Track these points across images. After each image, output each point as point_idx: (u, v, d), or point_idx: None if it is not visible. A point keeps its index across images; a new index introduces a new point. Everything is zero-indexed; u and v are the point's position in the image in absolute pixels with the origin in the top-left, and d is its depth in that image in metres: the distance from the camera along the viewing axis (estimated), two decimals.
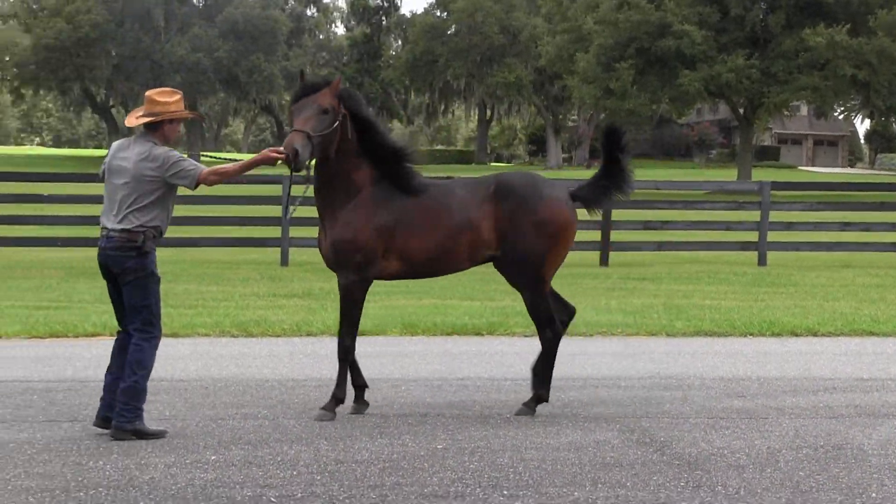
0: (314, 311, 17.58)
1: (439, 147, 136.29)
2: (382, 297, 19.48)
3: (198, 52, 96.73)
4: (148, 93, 9.72)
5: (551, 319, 10.66)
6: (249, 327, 15.96)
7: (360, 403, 10.61)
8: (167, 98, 9.58)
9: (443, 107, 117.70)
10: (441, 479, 8.18)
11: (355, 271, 10.29)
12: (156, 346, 9.59)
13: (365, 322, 16.17)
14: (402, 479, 8.13)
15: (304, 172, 10.19)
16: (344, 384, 10.36)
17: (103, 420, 9.47)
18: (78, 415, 10.27)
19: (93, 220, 26.97)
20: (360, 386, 10.65)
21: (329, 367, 13.00)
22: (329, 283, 21.92)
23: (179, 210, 26.96)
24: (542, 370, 10.70)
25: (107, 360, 12.65)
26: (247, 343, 15.06)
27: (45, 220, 28.44)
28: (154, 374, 12.20)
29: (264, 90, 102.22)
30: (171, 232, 27.83)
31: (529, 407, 10.62)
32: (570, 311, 11.07)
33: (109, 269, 9.46)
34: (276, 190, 26.65)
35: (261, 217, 28.23)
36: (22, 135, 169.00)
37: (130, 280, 9.38)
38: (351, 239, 10.24)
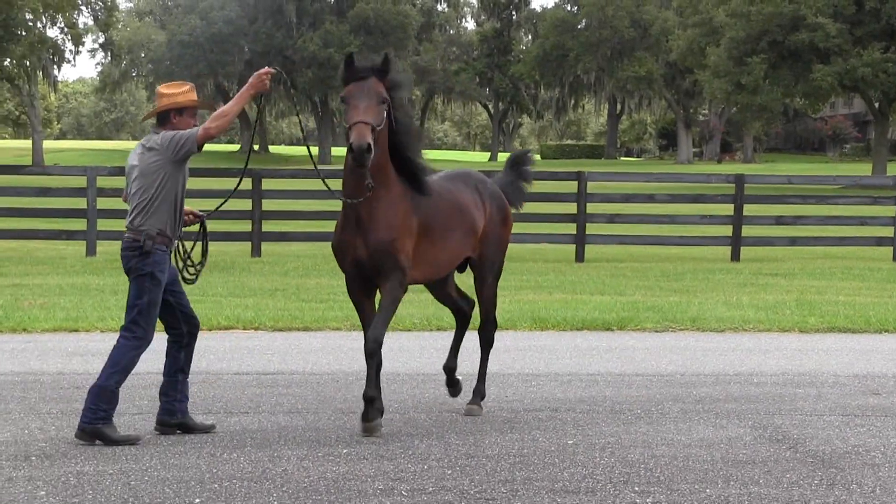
0: (443, 307, 17.59)
1: (569, 142, 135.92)
2: (512, 292, 19.46)
3: (329, 47, 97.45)
4: (158, 87, 9.72)
5: None
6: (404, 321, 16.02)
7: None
8: (174, 90, 9.44)
9: (573, 101, 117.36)
10: (572, 474, 8.14)
11: (403, 275, 9.39)
12: (137, 348, 9.17)
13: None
14: (532, 475, 8.11)
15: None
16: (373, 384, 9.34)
17: (160, 423, 9.44)
18: (212, 407, 10.38)
19: (218, 215, 27.38)
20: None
21: (459, 362, 13.01)
22: (456, 279, 21.96)
23: (315, 205, 27.30)
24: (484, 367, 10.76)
25: (240, 353, 12.84)
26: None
27: None
28: (286, 367, 12.42)
29: None
30: (308, 227, 27.94)
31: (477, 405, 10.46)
32: (470, 303, 11.05)
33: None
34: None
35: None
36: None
37: (131, 279, 9.38)
38: (397, 238, 9.34)
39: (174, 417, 9.33)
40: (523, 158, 11.66)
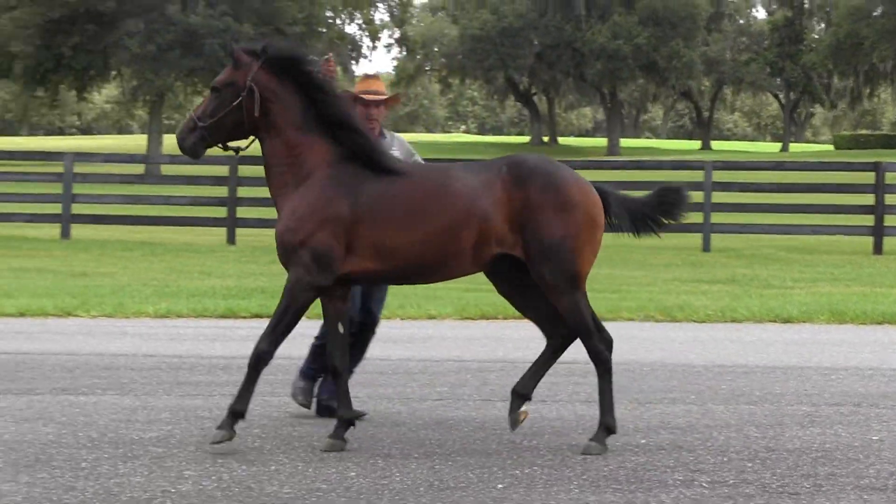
0: (738, 298, 17.39)
1: (864, 132, 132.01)
2: (808, 285, 19.09)
3: (617, 39, 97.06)
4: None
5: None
6: (673, 312, 15.93)
7: (337, 439, 8.38)
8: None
9: (868, 90, 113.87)
10: (878, 471, 7.91)
11: (305, 270, 8.35)
12: None
13: (791, 309, 15.94)
14: (836, 470, 7.91)
15: (230, 153, 8.96)
16: (245, 397, 8.34)
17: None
18: (507, 395, 10.45)
19: None
20: (346, 420, 8.44)
21: (754, 355, 12.84)
22: (751, 270, 21.65)
23: None
24: (604, 395, 8.51)
25: (536, 342, 12.91)
26: (671, 328, 15.04)
27: None
28: (581, 356, 12.36)
29: (683, 76, 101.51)
30: None
31: (599, 442, 8.43)
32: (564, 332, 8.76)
33: None
34: (698, 175, 26.53)
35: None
36: (448, 122, 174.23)
37: None
38: (295, 229, 8.35)
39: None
40: (671, 196, 8.99)
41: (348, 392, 8.49)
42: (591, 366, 11.23)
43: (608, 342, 8.53)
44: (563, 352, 8.86)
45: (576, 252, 8.33)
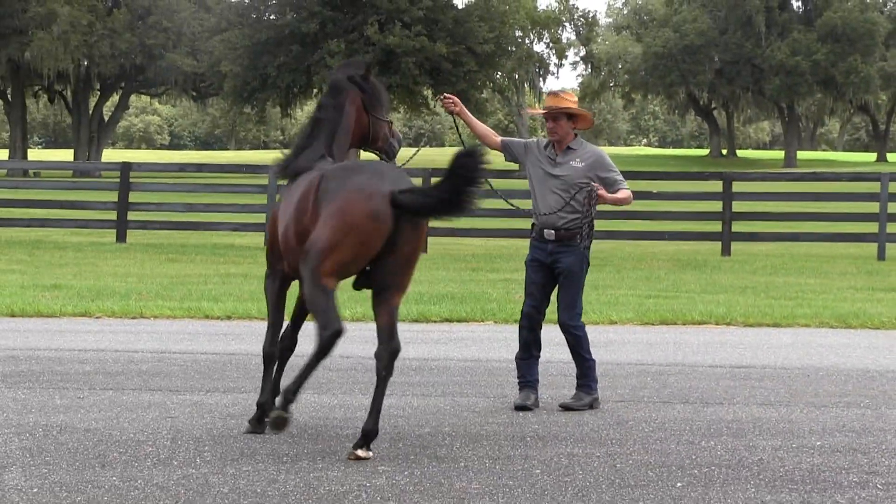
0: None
1: None
2: (886, 293, 18.50)
3: (796, 55, 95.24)
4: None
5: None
6: (848, 319, 15.59)
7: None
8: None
9: None
10: None
11: (267, 268, 8.70)
12: None
13: None
14: None
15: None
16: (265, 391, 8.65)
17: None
18: (689, 397, 10.36)
19: (702, 216, 27.33)
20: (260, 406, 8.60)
21: None
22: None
23: (784, 206, 26.92)
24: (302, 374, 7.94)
25: (713, 347, 12.76)
26: (846, 334, 14.73)
27: (654, 215, 28.42)
28: (758, 361, 12.25)
29: (860, 90, 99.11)
30: (777, 227, 27.38)
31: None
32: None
33: None
34: (869, 187, 25.92)
35: (858, 213, 27.33)
36: (630, 136, 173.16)
37: None
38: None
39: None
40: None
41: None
42: (767, 370, 11.08)
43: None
44: None
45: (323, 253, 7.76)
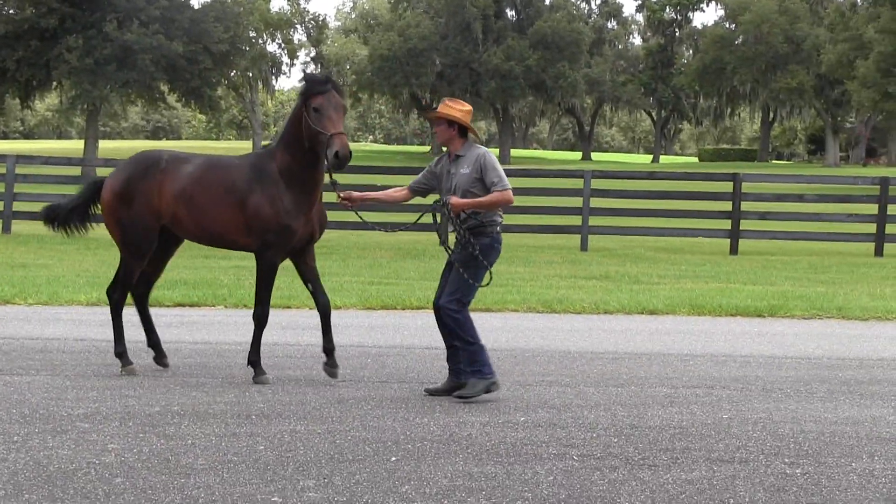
0: (610, 292, 17.51)
1: (725, 146, 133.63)
2: (673, 281, 19.30)
3: (510, 60, 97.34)
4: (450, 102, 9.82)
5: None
6: (553, 304, 16.01)
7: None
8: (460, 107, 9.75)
9: (729, 110, 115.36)
10: (726, 445, 8.03)
11: None
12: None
13: (656, 302, 16.11)
14: (690, 445, 8.02)
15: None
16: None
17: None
18: (405, 377, 10.48)
19: (420, 208, 27.58)
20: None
21: (623, 343, 12.97)
22: (623, 267, 21.85)
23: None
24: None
25: (432, 331, 12.91)
26: (551, 318, 15.13)
27: (377, 207, 28.61)
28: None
29: (568, 94, 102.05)
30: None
31: None
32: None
33: None
34: (577, 183, 26.72)
35: (564, 207, 28.08)
36: (358, 133, 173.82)
37: None
38: None
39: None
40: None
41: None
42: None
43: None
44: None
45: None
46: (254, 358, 9.96)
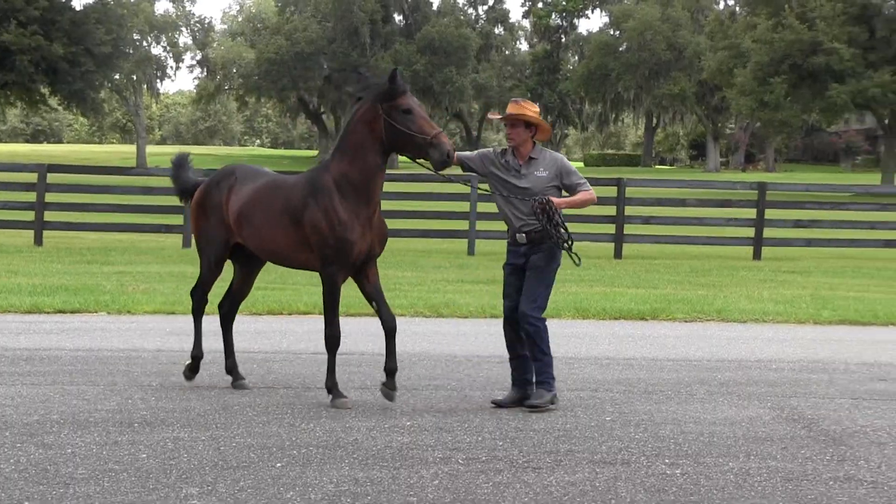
0: (497, 296, 17.52)
1: (609, 151, 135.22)
2: (558, 285, 19.39)
3: (398, 65, 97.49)
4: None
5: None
6: (440, 308, 16.04)
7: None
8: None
9: (613, 115, 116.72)
10: (609, 447, 8.12)
11: None
12: None
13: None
14: (574, 447, 8.09)
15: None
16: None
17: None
18: (291, 382, 10.43)
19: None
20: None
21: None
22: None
23: (384, 203, 27.36)
24: None
25: (315, 336, 12.85)
26: (437, 322, 15.15)
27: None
28: (356, 348, 12.40)
29: (455, 99, 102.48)
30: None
31: None
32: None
33: None
34: (463, 188, 26.78)
35: (451, 212, 28.15)
36: (245, 137, 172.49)
37: None
38: None
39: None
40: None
41: None
42: (365, 356, 11.22)
43: None
44: None
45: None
46: (329, 384, 9.48)
